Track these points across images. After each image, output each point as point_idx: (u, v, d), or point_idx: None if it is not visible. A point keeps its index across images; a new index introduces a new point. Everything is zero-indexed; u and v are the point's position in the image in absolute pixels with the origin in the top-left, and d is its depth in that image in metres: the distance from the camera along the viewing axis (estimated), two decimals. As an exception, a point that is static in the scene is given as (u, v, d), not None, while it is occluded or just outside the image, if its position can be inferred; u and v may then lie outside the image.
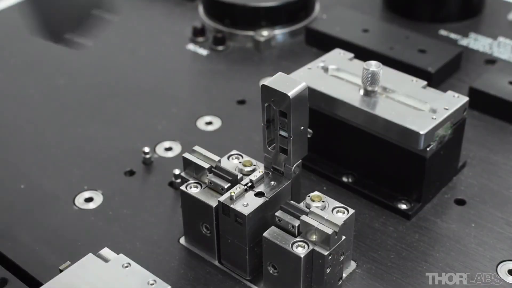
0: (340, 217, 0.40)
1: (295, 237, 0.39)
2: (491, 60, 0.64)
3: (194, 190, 0.42)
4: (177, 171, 0.50)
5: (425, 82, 0.49)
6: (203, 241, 0.43)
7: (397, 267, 0.44)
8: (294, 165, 0.41)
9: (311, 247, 0.38)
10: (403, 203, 0.48)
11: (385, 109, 0.46)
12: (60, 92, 0.61)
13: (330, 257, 0.38)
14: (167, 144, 0.54)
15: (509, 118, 0.56)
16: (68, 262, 0.38)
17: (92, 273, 0.36)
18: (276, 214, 0.40)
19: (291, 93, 0.38)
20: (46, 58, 0.65)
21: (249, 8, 0.67)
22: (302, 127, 0.40)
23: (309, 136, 0.41)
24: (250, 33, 0.67)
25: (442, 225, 0.47)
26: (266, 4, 0.67)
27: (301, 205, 0.40)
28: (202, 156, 0.43)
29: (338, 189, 0.50)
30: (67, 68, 0.64)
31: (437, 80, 0.59)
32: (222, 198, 0.41)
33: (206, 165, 0.42)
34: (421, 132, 0.44)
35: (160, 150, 0.54)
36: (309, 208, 0.39)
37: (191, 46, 0.67)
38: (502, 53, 0.65)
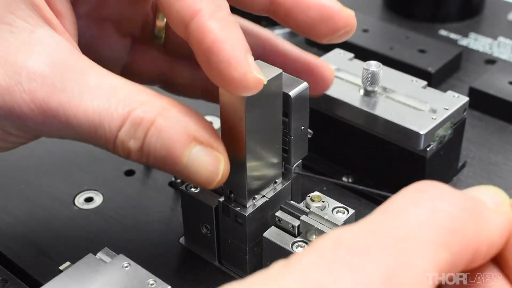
0: (340, 217, 0.40)
1: (295, 237, 0.39)
2: (491, 60, 0.64)
3: (194, 190, 0.42)
4: (177, 171, 0.50)
5: (425, 82, 0.49)
6: (203, 241, 0.43)
7: (397, 267, 0.43)
8: (294, 165, 0.41)
9: (311, 247, 0.38)
10: (403, 203, 0.48)
11: (385, 109, 0.46)
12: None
13: (330, 257, 0.38)
14: (167, 144, 0.54)
15: (509, 118, 0.56)
16: (68, 262, 0.38)
17: (92, 273, 0.36)
18: (276, 214, 0.40)
19: (292, 93, 0.38)
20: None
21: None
22: (302, 127, 0.40)
23: (309, 136, 0.41)
24: (250, 33, 0.67)
25: (442, 225, 0.47)
26: (266, 4, 0.66)
27: (301, 205, 0.40)
28: (202, 156, 0.43)
29: (338, 189, 0.50)
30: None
31: (437, 80, 0.59)
32: (222, 198, 0.41)
33: (206, 165, 0.42)
34: (421, 132, 0.44)
35: (160, 150, 0.54)
36: (309, 208, 0.39)
37: (191, 46, 0.67)
38: (502, 53, 0.65)
